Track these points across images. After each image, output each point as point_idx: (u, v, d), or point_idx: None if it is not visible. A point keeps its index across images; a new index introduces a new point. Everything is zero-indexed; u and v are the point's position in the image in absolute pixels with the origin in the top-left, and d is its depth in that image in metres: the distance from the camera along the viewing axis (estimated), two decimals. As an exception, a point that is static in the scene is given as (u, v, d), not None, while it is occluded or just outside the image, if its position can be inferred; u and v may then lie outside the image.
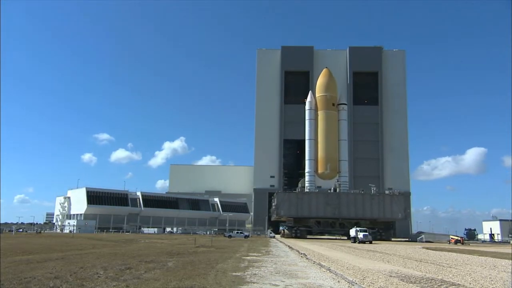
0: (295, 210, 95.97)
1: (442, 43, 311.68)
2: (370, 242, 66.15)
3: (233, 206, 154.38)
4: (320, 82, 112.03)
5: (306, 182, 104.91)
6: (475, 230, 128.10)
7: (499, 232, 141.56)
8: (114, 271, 18.37)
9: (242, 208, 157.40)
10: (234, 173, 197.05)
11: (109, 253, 31.13)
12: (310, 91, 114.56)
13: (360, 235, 66.65)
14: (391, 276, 18.87)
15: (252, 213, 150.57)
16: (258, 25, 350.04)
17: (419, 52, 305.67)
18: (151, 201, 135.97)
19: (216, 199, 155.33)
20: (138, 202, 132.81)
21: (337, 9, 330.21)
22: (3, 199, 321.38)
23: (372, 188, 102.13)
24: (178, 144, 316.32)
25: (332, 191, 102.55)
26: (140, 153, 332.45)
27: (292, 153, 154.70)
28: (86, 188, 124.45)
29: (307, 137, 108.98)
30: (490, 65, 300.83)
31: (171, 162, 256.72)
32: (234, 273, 18.23)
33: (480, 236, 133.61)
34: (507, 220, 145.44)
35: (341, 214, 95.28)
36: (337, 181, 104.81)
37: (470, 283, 17.02)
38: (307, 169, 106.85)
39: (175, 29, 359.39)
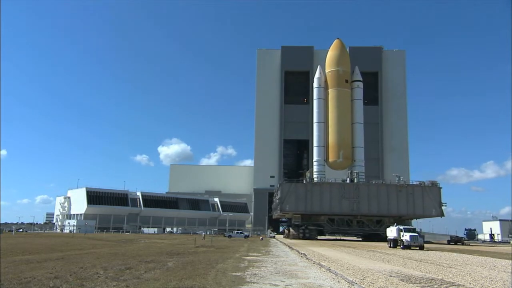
0: (304, 205, 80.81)
1: (442, 43, 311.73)
2: (422, 248, 46.64)
3: (233, 206, 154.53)
4: (330, 55, 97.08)
5: (314, 173, 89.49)
6: (475, 230, 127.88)
7: (499, 232, 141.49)
8: (114, 271, 18.37)
9: (242, 208, 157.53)
10: (234, 173, 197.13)
11: (109, 253, 31.13)
12: (318, 66, 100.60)
13: (406, 236, 47.15)
14: (391, 276, 18.87)
15: (252, 213, 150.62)
16: (258, 25, 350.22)
17: (419, 52, 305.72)
18: (151, 201, 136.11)
19: (216, 199, 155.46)
20: (138, 202, 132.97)
21: (337, 9, 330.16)
22: (26, 198, 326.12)
23: (398, 178, 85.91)
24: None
25: (348, 181, 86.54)
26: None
27: (292, 153, 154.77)
28: (86, 188, 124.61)
29: (315, 119, 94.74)
30: (490, 65, 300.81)
31: (222, 163, 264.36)
32: (234, 273, 18.23)
33: (480, 236, 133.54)
34: (507, 220, 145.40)
35: (360, 210, 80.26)
36: (349, 171, 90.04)
37: (470, 283, 17.01)
38: (315, 158, 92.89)
39: (175, 29, 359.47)
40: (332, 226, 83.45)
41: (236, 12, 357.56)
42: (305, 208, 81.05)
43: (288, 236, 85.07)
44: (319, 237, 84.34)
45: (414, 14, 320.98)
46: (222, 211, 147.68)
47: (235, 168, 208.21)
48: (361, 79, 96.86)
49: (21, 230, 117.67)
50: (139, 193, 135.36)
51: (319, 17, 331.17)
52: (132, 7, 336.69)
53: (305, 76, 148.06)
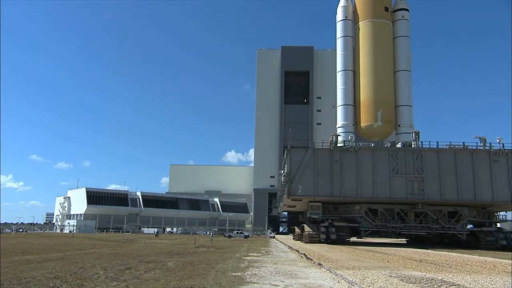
0: (328, 186, 49.75)
1: (442, 43, 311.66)
2: None
3: (233, 206, 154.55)
4: None
5: (339, 144, 54.77)
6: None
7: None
8: (114, 271, 18.37)
9: (242, 208, 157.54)
10: (234, 173, 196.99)
11: (109, 253, 31.13)
12: None
13: None
14: (391, 276, 18.86)
15: (252, 213, 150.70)
16: (258, 25, 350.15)
17: (419, 52, 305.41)
18: (151, 201, 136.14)
19: (216, 199, 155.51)
20: (138, 202, 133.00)
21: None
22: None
23: (483, 142, 51.94)
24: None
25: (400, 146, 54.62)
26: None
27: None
28: (86, 188, 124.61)
29: (339, 67, 67.53)
30: (490, 65, 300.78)
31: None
32: (234, 273, 18.22)
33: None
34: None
35: (428, 194, 49.57)
36: (389, 143, 58.25)
37: (470, 283, 17.00)
38: (340, 122, 66.04)
39: (174, 29, 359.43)
40: (374, 222, 51.79)
41: (237, 12, 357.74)
42: (330, 191, 49.89)
43: (301, 238, 58.89)
44: (351, 239, 55.82)
45: (414, 14, 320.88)
46: (222, 211, 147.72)
47: (235, 168, 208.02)
48: (407, 8, 68.02)
49: (21, 230, 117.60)
50: (139, 193, 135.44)
51: (319, 17, 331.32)
52: (132, 7, 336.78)
53: (305, 76, 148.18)
